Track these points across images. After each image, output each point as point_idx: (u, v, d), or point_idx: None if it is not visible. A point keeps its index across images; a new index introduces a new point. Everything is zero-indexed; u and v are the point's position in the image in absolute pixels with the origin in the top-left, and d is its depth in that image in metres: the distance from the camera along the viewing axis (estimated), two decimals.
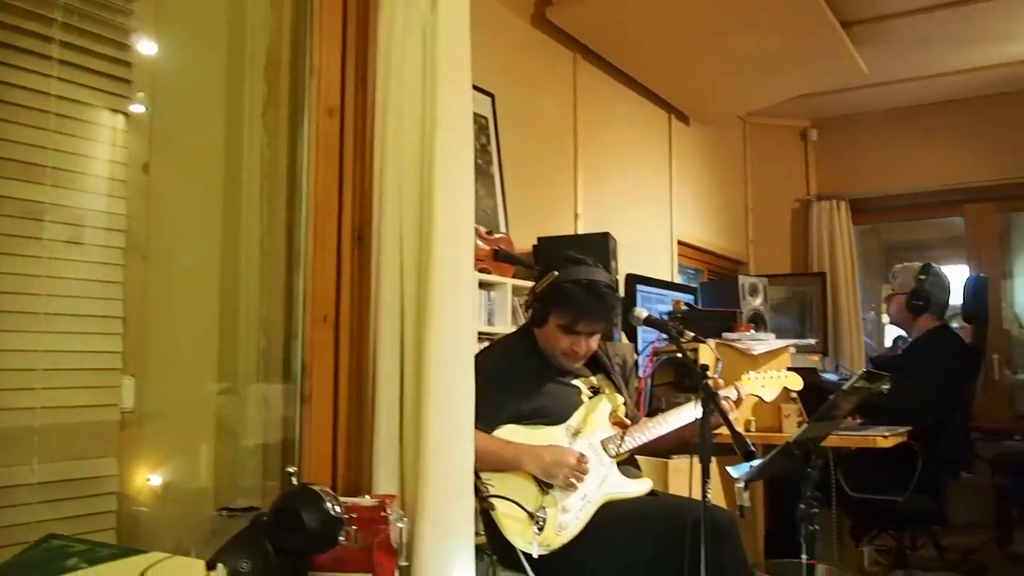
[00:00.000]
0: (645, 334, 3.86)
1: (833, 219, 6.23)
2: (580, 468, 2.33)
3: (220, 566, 1.51)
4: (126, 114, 2.09)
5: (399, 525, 1.99)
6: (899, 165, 6.20)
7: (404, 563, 2.02)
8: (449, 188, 2.23)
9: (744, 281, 4.60)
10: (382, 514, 1.88)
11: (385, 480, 2.19)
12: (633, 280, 4.15)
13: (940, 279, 3.92)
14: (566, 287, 2.44)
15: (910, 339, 4.01)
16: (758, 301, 4.59)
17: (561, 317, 2.46)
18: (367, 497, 2.00)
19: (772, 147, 6.44)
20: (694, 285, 5.04)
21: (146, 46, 2.16)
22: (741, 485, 2.13)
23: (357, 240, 2.32)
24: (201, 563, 1.42)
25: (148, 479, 2.10)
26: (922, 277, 3.88)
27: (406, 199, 2.27)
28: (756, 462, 2.16)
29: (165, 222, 2.16)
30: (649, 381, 3.37)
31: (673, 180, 5.25)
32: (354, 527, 1.77)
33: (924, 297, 3.86)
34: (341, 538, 1.66)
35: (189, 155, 2.27)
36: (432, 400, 2.15)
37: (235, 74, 2.35)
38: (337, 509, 1.64)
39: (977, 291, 3.81)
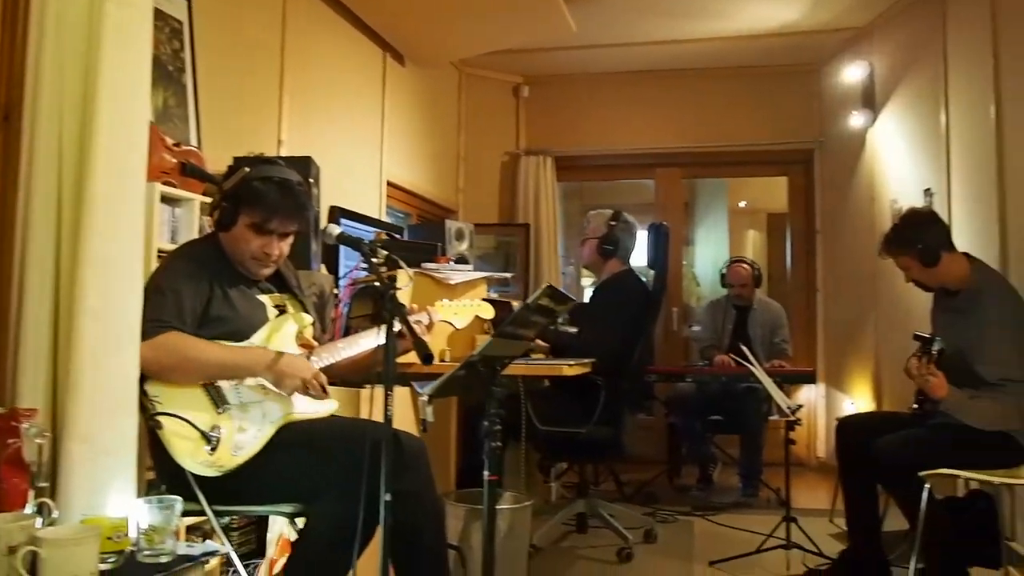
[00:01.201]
0: (346, 268, 3.75)
1: (539, 174, 6.45)
2: (317, 381, 2.24)
3: None
4: None
5: (37, 441, 1.75)
6: (601, 127, 6.55)
7: (44, 484, 1.79)
8: (119, 70, 1.99)
9: (451, 226, 4.62)
10: (12, 424, 1.63)
11: (31, 394, 1.91)
12: (338, 212, 4.01)
13: (629, 226, 4.17)
14: (256, 184, 2.29)
15: (599, 282, 4.24)
16: (464, 246, 4.63)
17: (252, 215, 2.30)
18: None
19: (486, 99, 6.55)
20: (401, 226, 5.00)
21: None
22: (425, 399, 2.11)
23: (3, 119, 2.00)
24: None
25: None
26: (613, 223, 4.11)
27: (68, 78, 1.99)
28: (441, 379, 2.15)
29: None
30: (345, 311, 3.26)
31: (385, 120, 5.15)
32: None
33: (614, 242, 4.09)
34: None
35: None
36: (88, 304, 1.92)
37: None
38: None
39: (658, 239, 4.08)
